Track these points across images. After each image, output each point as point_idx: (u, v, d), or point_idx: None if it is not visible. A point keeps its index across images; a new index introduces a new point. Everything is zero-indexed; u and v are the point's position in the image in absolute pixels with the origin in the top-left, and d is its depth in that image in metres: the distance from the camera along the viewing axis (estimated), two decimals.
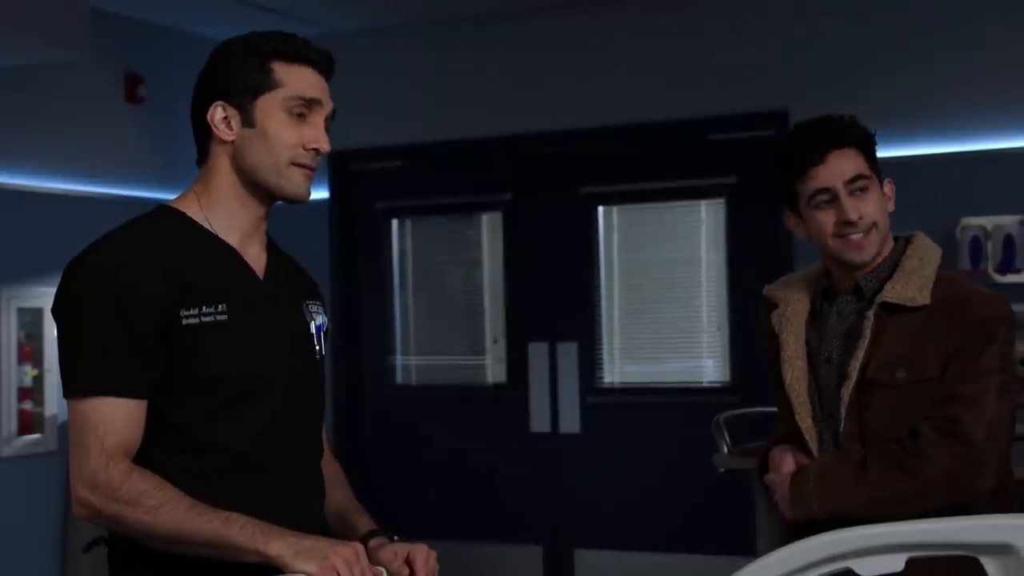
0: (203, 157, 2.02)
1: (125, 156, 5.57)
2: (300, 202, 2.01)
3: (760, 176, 5.38)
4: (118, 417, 1.86)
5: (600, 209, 5.77)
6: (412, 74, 5.99)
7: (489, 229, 6.05)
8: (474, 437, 5.94)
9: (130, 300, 1.85)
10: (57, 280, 1.94)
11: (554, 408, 5.78)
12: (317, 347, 2.06)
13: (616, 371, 5.78)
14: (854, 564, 1.56)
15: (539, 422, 5.80)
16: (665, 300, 5.70)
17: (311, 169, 1.99)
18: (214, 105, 1.97)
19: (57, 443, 5.13)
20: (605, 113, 5.63)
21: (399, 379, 6.14)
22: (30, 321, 5.03)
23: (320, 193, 6.01)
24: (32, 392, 5.06)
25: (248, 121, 1.96)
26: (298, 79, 1.97)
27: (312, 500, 2.06)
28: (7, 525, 4.96)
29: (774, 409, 2.48)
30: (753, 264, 5.39)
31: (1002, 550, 1.55)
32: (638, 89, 5.57)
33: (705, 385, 5.63)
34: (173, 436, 1.90)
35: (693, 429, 5.21)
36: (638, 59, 5.57)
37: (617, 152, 5.72)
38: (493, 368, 6.02)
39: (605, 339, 5.76)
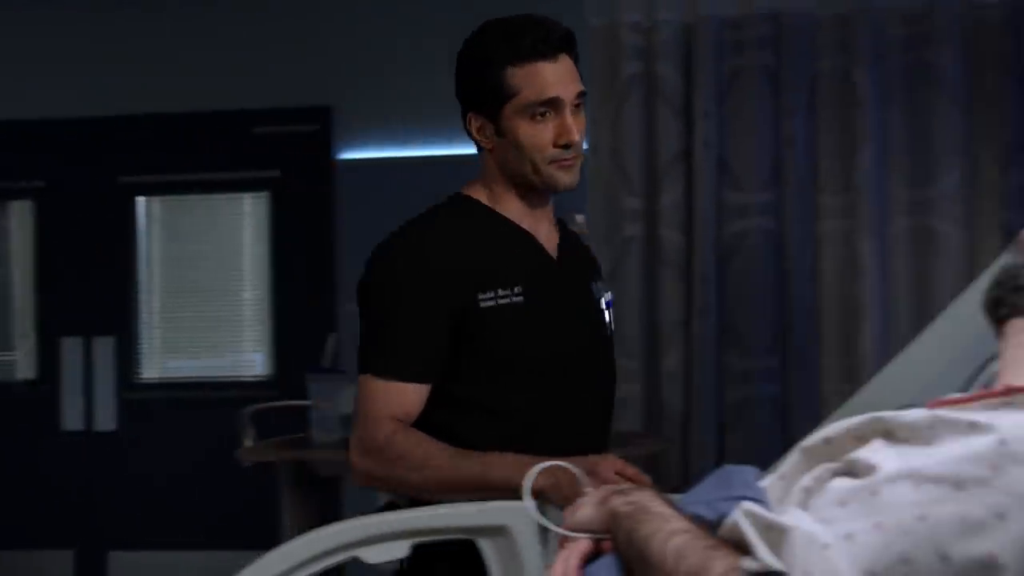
0: (481, 152, 2.08)
1: None
2: (568, 190, 2.04)
3: (304, 169, 5.45)
4: (398, 397, 1.94)
5: (139, 200, 5.62)
6: None
7: (19, 218, 5.74)
8: (2, 436, 5.64)
9: (430, 286, 1.94)
10: None
11: (88, 405, 5.57)
12: (608, 323, 2.16)
13: (156, 366, 5.65)
14: (361, 553, 1.62)
15: (71, 420, 5.58)
16: (209, 293, 5.63)
17: (569, 159, 2.00)
18: (469, 115, 2.04)
19: None
20: (138, 101, 5.47)
21: None
22: None
23: None
24: None
25: (499, 131, 2.01)
26: (533, 81, 1.97)
27: None
28: None
29: (304, 402, 2.51)
30: (297, 257, 5.45)
31: (497, 532, 1.67)
32: (174, 78, 5.47)
33: (248, 379, 5.61)
34: (469, 407, 1.98)
35: (232, 423, 5.17)
36: (181, 47, 5.48)
37: (154, 141, 5.58)
38: (23, 364, 5.72)
39: (144, 333, 5.62)
